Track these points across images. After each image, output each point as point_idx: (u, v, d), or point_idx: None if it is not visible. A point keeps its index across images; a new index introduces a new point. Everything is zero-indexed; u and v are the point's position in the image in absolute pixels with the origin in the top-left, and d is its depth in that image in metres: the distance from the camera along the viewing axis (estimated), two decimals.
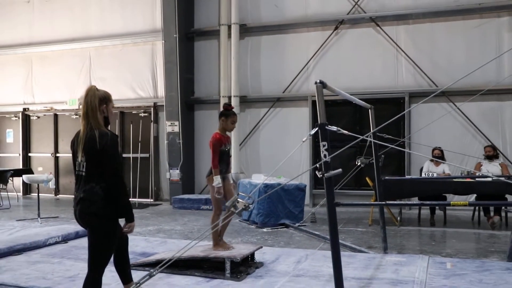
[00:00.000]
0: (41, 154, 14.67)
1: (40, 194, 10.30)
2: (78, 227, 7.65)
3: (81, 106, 3.77)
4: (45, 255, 6.28)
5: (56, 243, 7.00)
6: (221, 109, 12.27)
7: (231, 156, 6.08)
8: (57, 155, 14.49)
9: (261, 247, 6.09)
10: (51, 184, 10.31)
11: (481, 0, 10.71)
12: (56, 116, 14.54)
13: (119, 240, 3.85)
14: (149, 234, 8.25)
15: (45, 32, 14.43)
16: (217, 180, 5.49)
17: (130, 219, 3.74)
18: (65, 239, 7.18)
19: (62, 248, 6.73)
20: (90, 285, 3.73)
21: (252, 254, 5.70)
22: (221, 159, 5.72)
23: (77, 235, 7.39)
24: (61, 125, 14.55)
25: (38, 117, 14.82)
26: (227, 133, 5.90)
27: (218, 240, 5.67)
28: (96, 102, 3.69)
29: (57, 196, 14.31)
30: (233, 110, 5.92)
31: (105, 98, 3.80)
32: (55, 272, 5.42)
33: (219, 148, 5.66)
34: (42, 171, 13.84)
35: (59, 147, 14.51)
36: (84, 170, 3.63)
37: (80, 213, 3.67)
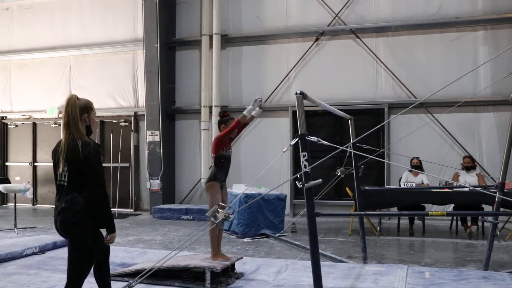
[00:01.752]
0: (19, 163, 14.45)
1: (17, 204, 10.12)
2: (56, 238, 7.58)
3: (61, 116, 3.71)
4: (21, 267, 6.18)
5: (33, 254, 6.89)
6: (203, 118, 12.35)
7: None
8: (35, 164, 14.28)
9: (241, 257, 6.07)
10: (29, 194, 10.17)
11: (457, 14, 10.90)
12: (34, 124, 14.36)
13: (100, 250, 3.76)
14: (128, 245, 8.16)
15: (24, 39, 14.28)
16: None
17: (111, 229, 3.67)
18: (43, 249, 7.07)
19: (39, 259, 6.63)
20: None
21: (233, 265, 5.68)
22: (221, 165, 5.79)
23: (55, 246, 7.30)
24: (40, 134, 14.37)
25: (16, 126, 14.61)
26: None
27: (218, 250, 5.63)
28: (77, 112, 3.66)
29: (35, 206, 14.08)
30: (229, 115, 6.02)
31: (87, 107, 3.77)
32: (31, 284, 5.33)
33: (221, 149, 5.77)
34: (20, 180, 13.63)
35: (37, 156, 14.32)
36: (66, 180, 3.56)
37: (61, 223, 3.60)
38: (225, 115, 5.96)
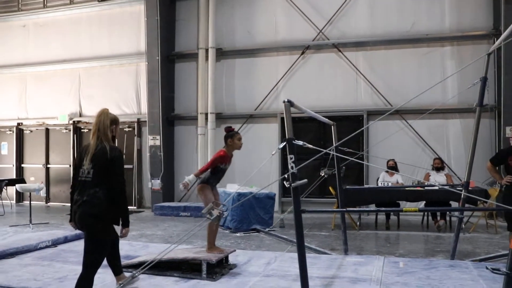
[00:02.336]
0: (33, 165, 14.36)
1: (32, 202, 10.09)
2: (67, 232, 7.56)
3: (93, 123, 3.93)
4: (36, 258, 6.15)
5: (46, 247, 6.84)
6: (200, 124, 12.33)
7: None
8: (48, 166, 14.20)
9: (234, 250, 6.06)
10: (42, 193, 10.13)
11: (428, 31, 11.00)
12: (47, 130, 14.28)
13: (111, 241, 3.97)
14: (132, 239, 8.13)
15: (39, 53, 14.22)
16: (189, 177, 5.43)
17: (126, 224, 3.84)
18: (55, 243, 7.03)
19: (52, 252, 6.59)
20: (84, 283, 3.73)
21: (226, 257, 5.67)
22: (216, 175, 5.70)
23: (66, 240, 7.26)
24: (52, 138, 14.28)
25: (31, 131, 14.53)
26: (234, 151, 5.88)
27: (213, 244, 5.61)
28: (108, 122, 3.87)
29: (48, 203, 13.99)
30: (234, 130, 5.86)
31: (115, 120, 4.03)
32: (45, 274, 5.31)
33: (218, 164, 5.61)
34: (34, 180, 13.56)
35: (50, 158, 14.23)
36: (90, 176, 3.71)
37: (81, 214, 3.70)
38: (230, 130, 5.80)
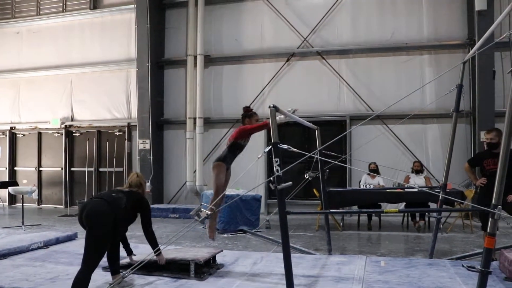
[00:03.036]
0: (26, 168, 14.17)
1: (24, 204, 9.95)
2: (58, 234, 7.45)
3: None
4: (28, 259, 6.05)
5: (38, 248, 6.74)
6: (188, 128, 12.28)
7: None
8: (40, 169, 14.03)
9: (222, 250, 6.04)
10: (35, 195, 10.01)
11: (407, 40, 11.11)
12: (40, 134, 14.12)
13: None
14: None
15: (32, 59, 14.08)
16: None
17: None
18: (47, 244, 6.92)
19: (44, 253, 6.49)
20: (82, 279, 3.94)
21: (214, 257, 5.64)
22: (234, 152, 5.58)
23: (57, 241, 7.16)
24: (44, 142, 14.12)
25: (24, 135, 14.36)
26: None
27: (214, 227, 5.55)
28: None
29: (40, 206, 13.82)
30: (252, 109, 5.72)
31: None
32: (37, 274, 5.23)
33: (239, 139, 5.54)
34: (27, 183, 13.38)
35: (42, 162, 14.07)
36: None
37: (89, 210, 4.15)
38: (249, 110, 5.66)
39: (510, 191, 5.74)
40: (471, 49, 9.47)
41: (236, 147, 5.55)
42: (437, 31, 11.04)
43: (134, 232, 8.91)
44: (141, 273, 5.03)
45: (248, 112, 5.65)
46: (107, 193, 4.55)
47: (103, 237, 4.11)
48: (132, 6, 12.60)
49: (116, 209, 4.22)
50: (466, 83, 10.13)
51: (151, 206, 11.26)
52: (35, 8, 14.22)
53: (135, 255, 5.27)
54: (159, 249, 4.78)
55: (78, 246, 6.72)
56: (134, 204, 4.51)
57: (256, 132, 5.60)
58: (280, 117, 5.17)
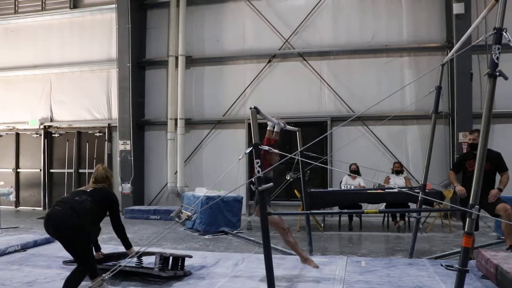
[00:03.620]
0: (3, 170, 13.86)
1: (1, 206, 9.77)
2: (36, 237, 7.33)
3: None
4: (4, 263, 5.93)
5: (15, 251, 6.60)
6: (169, 129, 12.20)
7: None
8: (18, 170, 13.77)
9: (191, 256, 5.56)
10: (12, 197, 9.80)
11: (387, 42, 11.22)
12: (18, 135, 13.86)
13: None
14: (102, 242, 7.92)
15: (9, 59, 13.79)
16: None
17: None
18: (24, 247, 6.79)
19: (21, 256, 6.37)
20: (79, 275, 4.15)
21: (183, 261, 5.32)
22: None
23: (35, 244, 7.03)
24: (22, 143, 13.87)
25: (1, 136, 14.06)
26: None
27: (303, 254, 5.37)
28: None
29: (17, 208, 13.57)
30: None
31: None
32: (14, 278, 5.13)
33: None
34: (4, 185, 13.06)
35: (20, 163, 13.81)
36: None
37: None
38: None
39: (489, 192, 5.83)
40: (449, 52, 9.60)
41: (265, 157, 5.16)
42: (416, 34, 11.18)
43: (114, 234, 8.82)
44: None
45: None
46: (70, 197, 4.39)
47: (82, 244, 4.14)
48: (113, 6, 12.47)
49: (83, 216, 4.14)
50: (445, 85, 10.29)
51: (132, 208, 11.34)
52: (13, 6, 13.96)
53: (102, 253, 5.30)
54: (129, 243, 4.76)
55: (56, 249, 6.61)
56: (101, 201, 4.42)
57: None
58: (281, 125, 5.19)
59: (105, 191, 4.55)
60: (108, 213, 4.58)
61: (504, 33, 3.29)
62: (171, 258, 5.12)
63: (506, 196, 5.94)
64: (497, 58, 3.28)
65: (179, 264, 5.25)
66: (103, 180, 4.58)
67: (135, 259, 5.02)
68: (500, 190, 5.68)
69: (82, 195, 4.34)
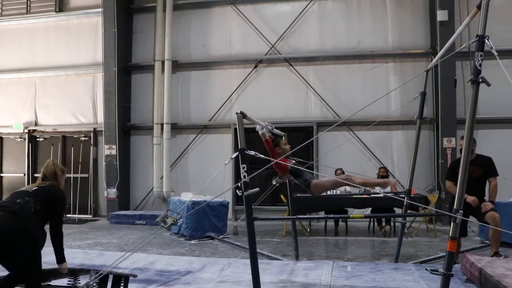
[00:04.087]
0: None
1: None
2: None
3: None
4: None
5: None
6: (155, 134, 12.12)
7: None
8: (1, 175, 13.57)
9: (136, 276, 4.60)
10: None
11: (372, 48, 11.33)
12: (1, 139, 13.65)
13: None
14: (87, 247, 7.89)
15: None
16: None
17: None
18: None
19: None
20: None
21: (126, 282, 4.38)
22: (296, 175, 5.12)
23: None
24: (6, 147, 13.65)
25: None
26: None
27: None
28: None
29: (36, 186, 13.32)
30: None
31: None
32: None
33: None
34: None
35: (3, 167, 13.60)
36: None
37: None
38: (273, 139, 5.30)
39: (482, 197, 5.89)
40: (433, 58, 9.72)
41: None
42: (401, 40, 11.30)
43: (100, 239, 8.76)
44: None
45: (273, 141, 5.35)
46: (11, 200, 3.79)
47: (30, 254, 3.60)
48: (99, 10, 12.40)
49: (27, 219, 3.62)
50: (430, 91, 10.37)
51: (117, 212, 11.25)
52: None
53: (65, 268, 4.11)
54: (63, 256, 3.94)
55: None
56: (46, 200, 3.86)
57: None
58: (268, 128, 5.18)
59: (52, 188, 4.01)
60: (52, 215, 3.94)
61: (486, 41, 3.33)
62: (110, 276, 4.27)
63: (497, 202, 6.00)
64: (480, 65, 3.32)
65: (122, 285, 4.35)
66: (52, 176, 4.09)
67: (66, 280, 4.30)
68: (492, 202, 5.73)
69: (24, 196, 3.79)
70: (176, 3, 12.28)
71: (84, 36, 12.97)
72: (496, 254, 5.52)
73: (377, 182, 5.26)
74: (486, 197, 5.97)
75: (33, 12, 13.49)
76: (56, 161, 4.34)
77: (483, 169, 5.82)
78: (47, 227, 3.86)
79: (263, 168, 4.36)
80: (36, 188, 3.99)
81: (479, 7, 3.41)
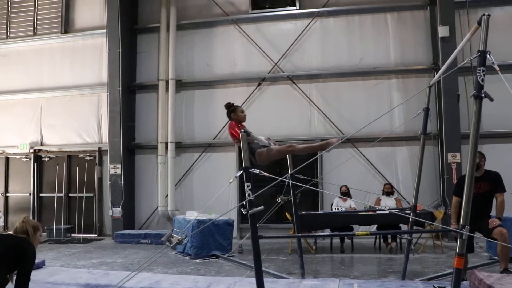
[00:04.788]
0: None
1: None
2: None
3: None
4: None
5: None
6: (160, 153, 12.15)
7: None
8: (7, 194, 13.60)
9: None
10: (1, 222, 9.66)
11: (375, 65, 11.38)
12: (7, 158, 13.71)
13: None
14: (92, 267, 7.85)
15: (0, 83, 13.75)
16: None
17: None
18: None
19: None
20: None
21: None
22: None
23: None
24: (12, 167, 13.71)
25: None
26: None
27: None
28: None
29: (6, 232, 13.34)
30: (233, 104, 5.42)
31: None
32: None
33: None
34: None
35: (9, 187, 13.64)
36: None
37: None
38: (230, 105, 5.41)
39: (487, 213, 5.82)
40: (436, 74, 9.74)
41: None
42: (403, 56, 11.35)
43: (105, 258, 8.71)
44: None
45: (230, 107, 5.38)
46: None
47: None
48: (104, 30, 12.54)
49: None
50: (433, 106, 10.41)
51: (122, 232, 11.21)
52: (5, 31, 13.98)
53: None
54: None
55: (46, 275, 6.51)
56: (10, 248, 3.71)
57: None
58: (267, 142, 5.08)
59: (22, 240, 3.82)
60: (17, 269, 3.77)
61: (488, 56, 3.34)
62: None
63: (505, 217, 5.93)
64: (482, 80, 3.33)
65: None
66: (23, 233, 3.89)
67: None
68: (500, 219, 5.67)
69: None
70: (179, 23, 12.42)
71: (89, 57, 13.11)
72: (506, 270, 5.44)
73: (318, 144, 5.13)
74: (493, 213, 5.91)
75: (39, 34, 13.67)
76: (29, 217, 4.12)
77: (491, 185, 5.77)
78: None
79: (268, 187, 4.36)
80: (6, 233, 3.98)
81: (479, 23, 3.43)
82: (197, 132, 12.33)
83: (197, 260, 8.43)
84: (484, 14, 3.38)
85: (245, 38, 12.14)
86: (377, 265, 7.85)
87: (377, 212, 8.76)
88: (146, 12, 12.97)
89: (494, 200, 5.86)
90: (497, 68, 3.37)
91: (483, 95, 3.31)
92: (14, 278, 3.80)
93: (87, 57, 13.14)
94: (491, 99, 3.33)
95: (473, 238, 5.64)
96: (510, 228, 7.06)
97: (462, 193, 5.83)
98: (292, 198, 6.62)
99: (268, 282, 5.29)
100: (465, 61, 4.06)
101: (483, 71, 3.33)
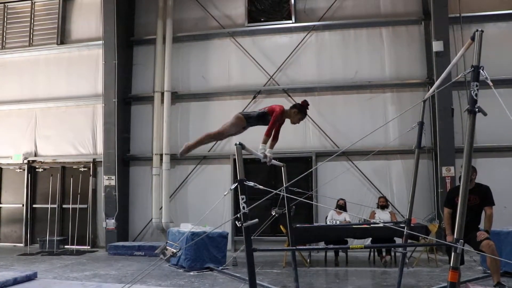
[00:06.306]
0: None
1: None
2: (16, 274, 7.11)
3: None
4: None
5: None
6: (154, 165, 12.12)
7: None
8: (0, 205, 13.49)
9: None
10: None
11: (370, 78, 11.46)
12: (0, 169, 13.63)
13: None
14: (85, 279, 7.77)
15: None
16: (262, 148, 4.96)
17: None
18: (3, 285, 6.57)
19: None
20: None
21: None
22: (260, 121, 5.42)
23: (15, 282, 6.81)
24: (5, 177, 13.61)
25: None
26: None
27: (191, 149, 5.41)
28: None
29: None
30: (308, 107, 5.38)
31: None
32: None
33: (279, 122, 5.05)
34: None
35: (2, 198, 13.53)
36: None
37: None
38: (305, 105, 5.55)
39: (476, 226, 5.86)
40: (430, 88, 9.81)
41: (265, 118, 5.41)
42: (398, 71, 11.44)
43: (98, 271, 8.64)
44: None
45: (303, 107, 5.50)
46: None
47: None
48: (100, 42, 12.59)
49: None
50: (427, 120, 10.47)
51: (116, 243, 11.15)
52: (1, 42, 13.99)
53: None
54: None
55: (38, 287, 6.44)
56: None
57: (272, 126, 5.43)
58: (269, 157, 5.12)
59: None
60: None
61: (481, 71, 3.38)
62: None
63: (498, 231, 5.96)
64: (476, 95, 3.35)
65: None
66: None
67: None
68: (488, 232, 5.72)
69: None
70: (175, 35, 12.47)
71: (85, 68, 13.12)
72: (499, 284, 5.44)
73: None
74: (481, 226, 5.95)
75: (35, 44, 13.68)
76: None
77: (480, 198, 5.84)
78: None
79: (263, 199, 4.36)
80: None
81: (473, 38, 3.47)
82: None
83: (191, 273, 8.37)
84: (477, 30, 3.41)
85: (241, 51, 12.20)
86: (372, 279, 7.82)
87: (371, 225, 8.76)
88: (143, 24, 13.03)
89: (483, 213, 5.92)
90: (491, 83, 3.40)
91: (477, 109, 3.34)
92: None
93: (83, 68, 13.15)
94: (485, 114, 3.35)
95: (463, 251, 5.66)
96: (503, 242, 7.09)
97: (452, 203, 5.99)
98: (286, 211, 6.61)
99: None
100: (459, 75, 4.08)
101: (476, 85, 3.36)
